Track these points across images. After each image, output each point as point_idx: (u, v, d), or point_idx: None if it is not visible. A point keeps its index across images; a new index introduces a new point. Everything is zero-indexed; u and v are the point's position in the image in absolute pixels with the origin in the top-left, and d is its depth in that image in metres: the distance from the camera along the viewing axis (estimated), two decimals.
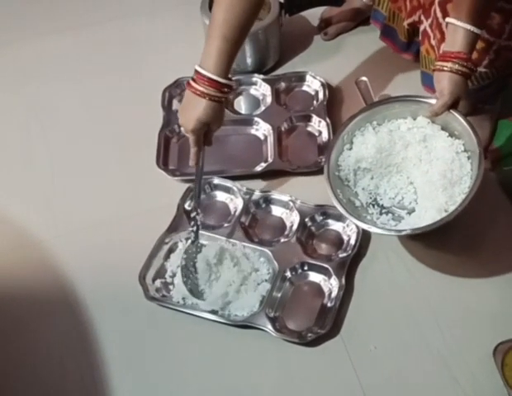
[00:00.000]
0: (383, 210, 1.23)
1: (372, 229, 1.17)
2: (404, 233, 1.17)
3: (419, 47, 1.33)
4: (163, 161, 1.41)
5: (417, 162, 1.22)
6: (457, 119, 1.16)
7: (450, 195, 1.15)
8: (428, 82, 1.31)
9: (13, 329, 1.20)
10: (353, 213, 1.18)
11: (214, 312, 1.17)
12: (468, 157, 1.17)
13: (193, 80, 1.16)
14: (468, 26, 1.08)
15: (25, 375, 1.15)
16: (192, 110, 1.16)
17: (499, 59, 1.22)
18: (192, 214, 1.26)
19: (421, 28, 1.31)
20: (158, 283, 1.22)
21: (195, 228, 1.24)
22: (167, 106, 1.52)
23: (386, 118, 1.24)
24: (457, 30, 1.10)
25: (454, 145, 1.17)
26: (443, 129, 1.20)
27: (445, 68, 1.11)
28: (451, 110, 1.16)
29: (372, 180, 1.24)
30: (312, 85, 1.54)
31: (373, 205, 1.23)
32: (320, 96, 1.51)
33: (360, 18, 1.66)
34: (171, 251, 1.27)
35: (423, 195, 1.20)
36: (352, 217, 1.17)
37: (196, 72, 1.15)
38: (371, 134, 1.23)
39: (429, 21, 1.26)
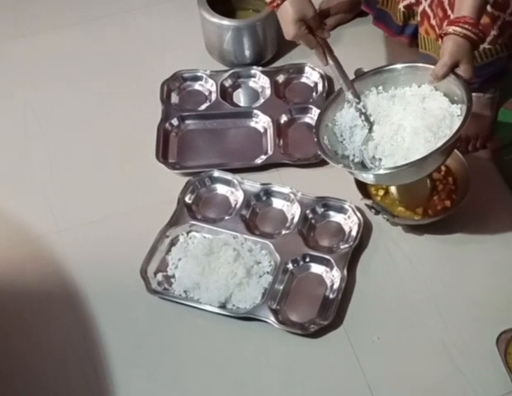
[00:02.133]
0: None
1: (348, 170, 1.14)
2: (375, 171, 1.13)
3: (416, 29, 1.32)
4: (162, 154, 1.41)
5: (410, 121, 1.17)
6: (457, 83, 1.13)
7: (431, 149, 1.11)
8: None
9: (14, 325, 1.20)
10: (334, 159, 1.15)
11: (216, 304, 1.17)
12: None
13: None
14: None
15: (27, 370, 1.15)
16: (283, 21, 1.16)
17: (502, 36, 1.21)
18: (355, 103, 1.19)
19: (420, 9, 1.30)
20: (159, 276, 1.22)
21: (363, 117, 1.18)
22: (165, 100, 1.51)
23: (392, 84, 1.22)
24: None
25: (451, 108, 1.15)
26: (445, 95, 1.17)
27: (450, 32, 1.10)
28: (452, 75, 1.13)
29: (365, 137, 1.19)
30: (311, 77, 1.54)
31: (361, 164, 1.18)
32: (320, 87, 1.51)
33: (358, 9, 1.65)
34: (172, 244, 1.26)
35: (406, 148, 1.16)
36: (330, 159, 1.14)
37: None
38: (373, 96, 1.21)
39: (429, 0, 1.25)
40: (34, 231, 1.32)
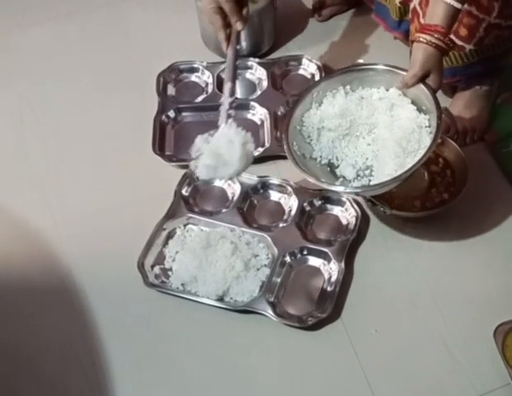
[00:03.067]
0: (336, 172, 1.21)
1: (317, 183, 1.14)
2: (346, 190, 1.15)
3: (410, 26, 1.32)
4: (159, 147, 1.40)
5: (379, 130, 1.20)
6: (426, 94, 1.14)
7: (401, 164, 1.12)
8: None
9: (12, 318, 1.19)
10: (302, 165, 1.16)
11: (214, 297, 1.16)
12: (430, 133, 1.14)
13: None
14: (448, 0, 1.07)
15: (25, 364, 1.14)
16: None
17: (488, 37, 1.21)
18: (223, 98, 1.18)
19: (411, 6, 1.30)
20: (157, 269, 1.22)
21: (226, 111, 1.16)
22: (162, 92, 1.51)
23: (360, 84, 1.23)
24: (438, 4, 1.09)
25: (419, 119, 1.16)
26: (413, 102, 1.18)
27: (421, 40, 1.10)
28: (421, 85, 1.14)
29: (333, 142, 1.21)
30: (308, 68, 1.53)
31: (328, 166, 1.21)
32: (317, 79, 1.50)
33: (354, 0, 1.65)
34: (169, 237, 1.26)
35: (376, 161, 1.18)
36: (301, 169, 1.15)
37: None
38: (341, 97, 1.22)
39: None
40: (31, 225, 1.31)
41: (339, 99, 1.21)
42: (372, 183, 1.15)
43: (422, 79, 1.14)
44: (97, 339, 1.15)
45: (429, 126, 1.15)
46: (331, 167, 1.21)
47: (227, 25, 1.22)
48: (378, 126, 1.20)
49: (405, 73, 1.16)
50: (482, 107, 1.38)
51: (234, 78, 1.20)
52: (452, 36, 1.15)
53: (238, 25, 1.22)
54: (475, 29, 1.21)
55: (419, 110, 1.17)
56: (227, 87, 1.18)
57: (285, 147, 1.17)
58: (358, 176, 1.19)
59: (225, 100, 1.17)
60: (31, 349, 1.15)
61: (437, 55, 1.11)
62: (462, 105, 1.38)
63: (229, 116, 1.16)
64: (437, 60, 1.12)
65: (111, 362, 1.13)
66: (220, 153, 1.11)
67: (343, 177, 1.19)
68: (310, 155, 1.21)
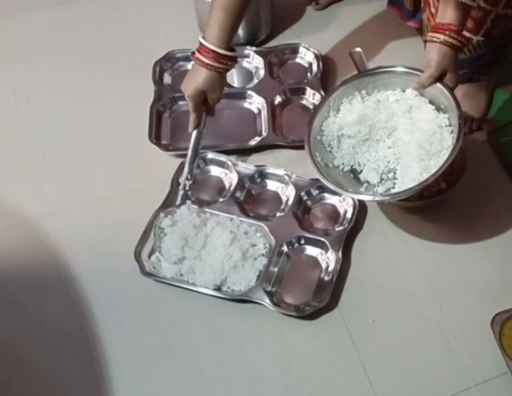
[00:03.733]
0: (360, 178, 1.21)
1: (342, 192, 1.16)
2: (375, 198, 1.16)
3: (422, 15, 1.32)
4: (155, 136, 1.39)
5: (399, 133, 1.20)
6: (444, 92, 1.14)
7: (426, 167, 1.13)
8: None
9: (7, 308, 1.19)
10: (328, 176, 1.17)
11: (211, 287, 1.16)
12: (451, 132, 1.15)
13: (197, 50, 1.19)
14: None
15: (20, 354, 1.14)
16: (193, 78, 1.21)
17: (496, 28, 1.21)
18: (182, 179, 1.27)
19: None
20: (153, 259, 1.21)
21: (182, 193, 1.27)
22: (158, 80, 1.50)
23: (375, 88, 1.23)
24: (449, 2, 1.09)
25: (438, 119, 1.16)
26: (430, 102, 1.18)
27: (435, 39, 1.10)
28: (438, 84, 1.14)
29: (354, 148, 1.21)
30: (306, 57, 1.52)
31: (351, 173, 1.22)
32: (314, 68, 1.50)
33: None
34: (165, 226, 1.25)
35: (401, 165, 1.19)
36: (325, 180, 1.16)
37: (199, 42, 1.19)
38: (358, 103, 1.22)
39: None
40: (26, 214, 1.31)
41: (356, 105, 1.22)
42: (398, 189, 1.15)
43: (439, 79, 1.14)
44: (93, 329, 1.15)
45: (450, 125, 1.15)
46: (354, 173, 1.22)
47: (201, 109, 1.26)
48: (398, 129, 1.20)
49: (420, 74, 1.16)
50: (481, 97, 1.38)
51: (193, 161, 1.29)
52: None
53: (211, 114, 1.29)
54: (482, 21, 1.20)
55: (438, 109, 1.17)
56: (186, 169, 1.27)
57: (309, 159, 1.18)
58: (382, 179, 1.19)
59: (184, 182, 1.26)
60: (27, 339, 1.15)
61: (452, 54, 1.11)
62: (460, 95, 1.36)
63: (186, 197, 1.26)
64: (452, 59, 1.12)
65: (107, 352, 1.13)
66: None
67: (367, 182, 1.20)
68: (333, 163, 1.21)
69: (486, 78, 1.37)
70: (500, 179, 1.31)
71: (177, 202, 1.26)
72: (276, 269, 1.19)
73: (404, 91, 1.21)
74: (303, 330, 1.14)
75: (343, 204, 1.28)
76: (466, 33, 1.20)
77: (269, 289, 1.16)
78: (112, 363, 1.12)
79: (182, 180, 1.28)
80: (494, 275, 1.19)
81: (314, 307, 1.14)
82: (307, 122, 1.23)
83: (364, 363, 1.10)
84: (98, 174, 1.37)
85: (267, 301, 1.14)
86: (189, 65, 1.53)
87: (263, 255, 1.21)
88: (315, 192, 1.29)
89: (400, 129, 1.20)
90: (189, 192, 1.27)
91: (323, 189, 1.29)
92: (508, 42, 1.27)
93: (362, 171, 1.21)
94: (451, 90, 1.14)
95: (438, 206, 1.25)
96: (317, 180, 1.29)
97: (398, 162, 1.19)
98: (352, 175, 1.21)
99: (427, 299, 1.16)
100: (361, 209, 1.26)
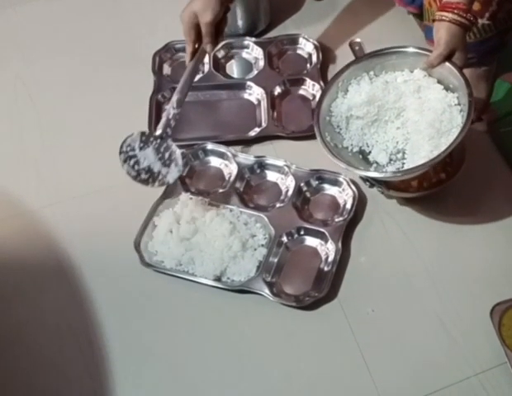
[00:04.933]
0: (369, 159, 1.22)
1: (353, 170, 1.15)
2: (386, 175, 1.16)
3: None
4: (155, 126, 1.38)
5: (408, 113, 1.20)
6: (453, 71, 1.14)
7: (436, 145, 1.13)
8: (431, 36, 1.29)
9: (8, 299, 1.19)
10: (337, 155, 1.17)
11: (211, 277, 1.16)
12: (460, 111, 1.15)
13: None
14: None
15: (21, 344, 1.14)
16: (190, 2, 1.22)
17: (501, 11, 1.20)
18: (168, 106, 1.23)
19: None
20: (153, 249, 1.21)
21: (164, 120, 1.22)
22: (157, 71, 1.49)
23: (383, 69, 1.23)
24: None
25: (448, 98, 1.16)
26: (439, 82, 1.18)
27: (444, 18, 1.10)
28: (447, 63, 1.14)
29: (362, 129, 1.21)
30: (305, 48, 1.52)
31: (360, 154, 1.22)
32: (314, 59, 1.49)
33: None
34: (165, 216, 1.25)
35: (410, 144, 1.19)
36: (335, 158, 1.15)
37: None
38: (366, 84, 1.22)
39: None
40: (26, 205, 1.31)
41: (365, 86, 1.21)
42: (409, 166, 1.15)
43: (447, 58, 1.13)
44: (93, 319, 1.15)
45: (459, 104, 1.15)
46: (363, 154, 1.21)
47: (198, 40, 1.25)
48: (407, 109, 1.20)
49: (428, 53, 1.16)
50: (481, 86, 1.37)
51: (185, 92, 1.24)
52: None
53: (207, 47, 1.25)
54: (488, 3, 1.20)
55: (447, 88, 1.17)
56: (175, 97, 1.23)
57: (318, 139, 1.18)
58: (391, 160, 1.19)
59: (170, 110, 1.22)
60: (27, 328, 1.15)
61: (461, 33, 1.11)
62: None
63: (169, 127, 1.21)
64: (461, 37, 1.12)
65: (108, 342, 1.13)
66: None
67: (376, 163, 1.20)
68: (342, 144, 1.21)
69: (487, 68, 1.37)
70: (500, 169, 1.31)
71: (158, 131, 1.21)
72: (275, 259, 1.19)
73: (412, 72, 1.20)
74: (303, 320, 1.14)
75: (343, 194, 1.28)
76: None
77: (269, 279, 1.16)
78: (113, 353, 1.12)
79: (167, 107, 1.23)
80: (493, 265, 1.19)
81: (313, 297, 1.14)
82: (316, 103, 1.23)
83: (364, 353, 1.10)
84: (98, 165, 1.36)
85: (266, 292, 1.14)
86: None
87: (262, 245, 1.21)
88: (314, 183, 1.29)
89: (410, 109, 1.19)
90: (172, 122, 1.21)
91: (323, 180, 1.29)
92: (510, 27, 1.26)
93: (370, 152, 1.21)
94: (460, 69, 1.14)
95: (438, 197, 1.25)
96: (317, 171, 1.29)
97: (407, 142, 1.19)
98: (361, 156, 1.21)
99: (426, 290, 1.17)
100: (360, 199, 1.26)
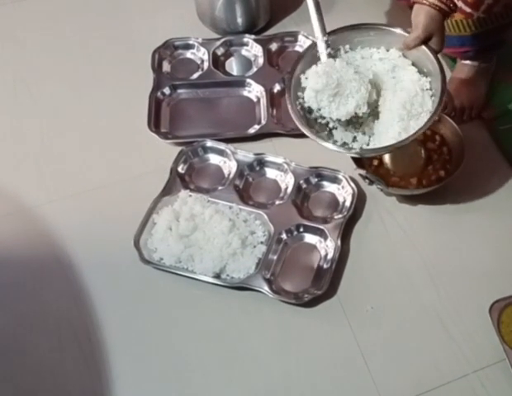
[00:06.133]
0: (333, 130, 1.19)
1: (320, 142, 1.13)
2: (352, 152, 1.14)
3: None
4: (154, 124, 1.39)
5: (381, 91, 1.18)
6: (429, 56, 1.14)
7: (405, 127, 1.12)
8: None
9: (7, 295, 1.19)
10: (306, 125, 1.14)
11: (211, 274, 1.16)
12: (432, 96, 1.14)
13: None
14: None
15: (20, 339, 1.14)
16: None
17: (497, 5, 1.20)
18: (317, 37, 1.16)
19: None
20: (152, 246, 1.21)
21: (324, 46, 1.15)
22: (157, 68, 1.49)
23: (359, 44, 1.21)
24: None
25: (421, 81, 1.15)
26: (414, 64, 1.17)
27: (424, 2, 1.10)
28: (424, 46, 1.14)
29: (333, 103, 1.15)
30: (305, 45, 1.51)
31: (326, 126, 1.18)
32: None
33: None
34: (164, 214, 1.25)
35: (380, 123, 1.17)
36: (304, 127, 1.13)
37: None
38: (341, 57, 1.20)
39: None
40: (26, 201, 1.31)
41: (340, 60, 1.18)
42: (375, 146, 1.14)
43: (424, 42, 1.13)
44: (93, 316, 1.15)
45: (431, 89, 1.14)
46: (329, 126, 1.18)
47: None
48: (380, 88, 1.17)
49: (406, 34, 1.15)
50: (480, 84, 1.37)
51: (321, 18, 1.17)
52: (460, 3, 1.14)
53: None
54: None
55: (420, 72, 1.16)
56: (317, 27, 1.16)
57: (288, 106, 1.16)
58: (356, 137, 1.17)
59: (320, 39, 1.16)
60: (27, 327, 1.15)
61: (439, 18, 1.11)
62: (460, 81, 1.37)
63: (328, 55, 1.15)
64: (439, 23, 1.12)
65: (107, 339, 1.13)
66: (336, 78, 1.11)
67: (342, 139, 1.17)
68: (311, 114, 1.18)
69: (486, 65, 1.37)
70: (499, 167, 1.31)
71: (322, 57, 1.16)
72: (275, 257, 1.20)
73: (388, 51, 1.19)
74: (302, 317, 1.14)
75: (342, 192, 1.28)
76: (466, 8, 1.19)
77: (268, 276, 1.17)
78: (112, 349, 1.12)
79: (317, 38, 1.16)
80: (492, 262, 1.19)
81: (313, 294, 1.14)
82: (289, 69, 1.19)
83: (363, 350, 1.10)
84: (97, 162, 1.36)
85: (266, 289, 1.14)
86: (188, 53, 1.53)
87: (262, 243, 1.21)
88: (314, 180, 1.29)
89: (382, 87, 1.18)
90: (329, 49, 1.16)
91: (322, 177, 1.29)
92: (509, 23, 1.26)
93: (336, 128, 1.18)
94: (436, 54, 1.13)
95: (437, 194, 1.25)
96: (316, 168, 1.29)
97: (375, 120, 1.17)
98: (328, 129, 1.18)
99: (425, 287, 1.17)
100: (360, 197, 1.26)
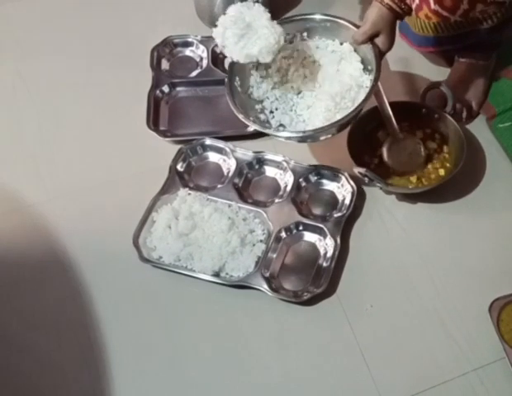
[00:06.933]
0: (273, 113, 1.22)
1: (252, 125, 1.17)
2: (279, 134, 1.16)
3: None
4: (153, 122, 1.39)
5: (323, 81, 1.21)
6: (371, 53, 1.15)
7: (329, 119, 1.14)
8: (403, 30, 1.35)
9: (6, 294, 1.19)
10: (240, 105, 1.17)
11: (210, 273, 1.16)
12: None
13: None
14: None
15: (19, 339, 1.14)
16: None
17: (473, 11, 1.19)
18: None
19: None
20: (151, 245, 1.21)
21: None
22: (156, 66, 1.49)
23: (317, 34, 1.24)
24: None
25: (362, 78, 1.17)
26: (362, 61, 1.19)
27: None
28: (370, 43, 1.15)
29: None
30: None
31: (263, 105, 1.22)
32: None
33: None
34: (163, 212, 1.24)
35: (312, 111, 1.19)
36: (236, 109, 1.17)
37: None
38: (298, 41, 1.24)
39: None
40: (25, 200, 1.30)
41: (296, 42, 1.23)
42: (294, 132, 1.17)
43: (371, 38, 1.15)
44: (92, 314, 1.15)
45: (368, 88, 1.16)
46: (264, 109, 1.22)
47: None
48: (320, 77, 1.21)
49: (356, 30, 1.18)
50: (479, 82, 1.37)
51: None
52: (436, 6, 1.16)
53: None
54: (459, 1, 1.18)
55: (365, 69, 1.18)
56: None
57: (225, 80, 1.19)
58: (292, 123, 1.20)
59: None
60: (25, 324, 1.15)
61: (389, 17, 1.13)
62: (458, 79, 1.37)
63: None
64: (388, 22, 1.13)
65: (106, 336, 1.13)
66: (248, 21, 1.12)
67: (279, 123, 1.20)
68: (252, 94, 1.22)
69: (485, 64, 1.37)
70: (499, 165, 1.31)
71: None
72: (274, 255, 1.19)
73: (341, 44, 1.21)
74: (301, 316, 1.14)
75: (342, 190, 1.28)
76: (443, 12, 1.20)
77: (267, 275, 1.16)
78: (111, 347, 1.12)
79: None
80: (492, 261, 1.19)
81: (312, 293, 1.14)
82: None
83: (362, 348, 1.10)
84: (96, 160, 1.36)
85: (265, 287, 1.14)
86: (187, 51, 1.53)
87: (261, 241, 1.20)
88: (313, 178, 1.29)
89: (323, 77, 1.20)
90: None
91: (321, 175, 1.29)
92: (492, 28, 1.24)
93: (277, 109, 1.21)
94: (379, 52, 1.15)
95: (437, 192, 1.25)
96: (316, 166, 1.29)
97: (310, 109, 1.20)
98: (264, 111, 1.22)
99: (425, 285, 1.17)
100: (359, 195, 1.26)
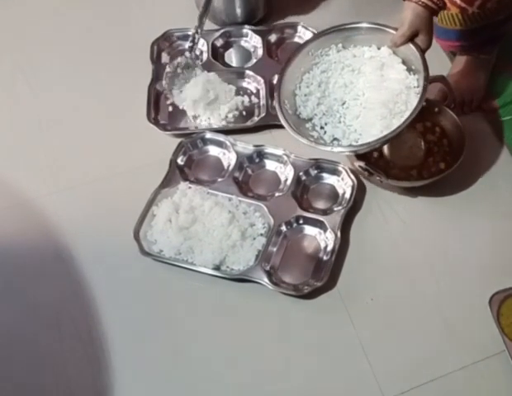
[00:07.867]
0: (324, 129, 1.22)
1: (319, 147, 1.16)
2: (335, 149, 1.16)
3: None
4: (153, 116, 1.39)
5: (368, 89, 1.20)
6: (415, 53, 1.15)
7: (387, 125, 1.14)
8: (440, 35, 1.32)
9: (7, 289, 1.19)
10: (294, 126, 1.18)
11: (210, 266, 1.16)
12: (418, 93, 1.14)
13: None
14: None
15: (21, 334, 1.14)
16: None
17: (491, 1, 1.19)
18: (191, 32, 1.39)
19: None
20: (152, 238, 1.21)
21: (190, 44, 1.39)
22: (156, 60, 1.49)
23: (352, 43, 1.23)
24: None
25: (408, 79, 1.17)
26: (403, 62, 1.18)
27: None
28: (410, 44, 1.15)
29: (319, 105, 1.21)
30: (304, 36, 1.51)
31: (313, 122, 1.22)
32: (308, 37, 1.48)
33: None
34: (164, 205, 1.24)
35: (363, 121, 1.19)
36: (291, 129, 1.17)
37: None
38: (334, 54, 1.24)
39: None
40: (25, 194, 1.30)
41: (332, 55, 1.23)
42: (357, 144, 1.16)
43: (410, 39, 1.14)
44: (93, 308, 1.15)
45: (418, 86, 1.15)
46: (315, 126, 1.22)
47: None
48: (367, 86, 1.20)
49: (395, 32, 1.16)
50: (480, 76, 1.37)
51: (203, 15, 1.39)
52: None
53: None
54: None
55: (409, 70, 1.17)
56: (196, 23, 1.37)
57: (276, 106, 1.19)
58: (345, 134, 1.19)
59: (192, 33, 1.40)
60: (26, 317, 1.15)
61: (426, 15, 1.11)
62: (459, 73, 1.37)
63: (193, 47, 1.39)
64: (426, 20, 1.12)
65: (106, 329, 1.13)
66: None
67: (333, 137, 1.20)
68: (300, 114, 1.22)
69: (486, 57, 1.36)
70: (500, 159, 1.31)
71: (187, 53, 1.38)
72: (274, 249, 1.19)
73: (379, 49, 1.21)
74: (302, 309, 1.14)
75: (342, 184, 1.28)
76: (461, 3, 1.19)
77: (268, 268, 1.17)
78: (112, 341, 1.12)
79: (191, 33, 1.40)
80: (492, 254, 1.19)
81: (312, 286, 1.14)
82: (280, 70, 1.23)
83: (362, 341, 1.10)
84: (97, 154, 1.36)
85: (265, 280, 1.14)
86: (186, 44, 1.52)
87: (261, 235, 1.21)
88: (313, 172, 1.29)
89: (369, 86, 1.20)
90: (196, 43, 1.40)
91: (322, 169, 1.29)
92: (505, 18, 1.25)
93: (327, 124, 1.21)
94: (422, 51, 1.14)
95: (437, 186, 1.25)
96: (316, 160, 1.29)
97: (359, 118, 1.19)
98: (319, 129, 1.22)
99: (425, 278, 1.17)
100: (359, 189, 1.26)
